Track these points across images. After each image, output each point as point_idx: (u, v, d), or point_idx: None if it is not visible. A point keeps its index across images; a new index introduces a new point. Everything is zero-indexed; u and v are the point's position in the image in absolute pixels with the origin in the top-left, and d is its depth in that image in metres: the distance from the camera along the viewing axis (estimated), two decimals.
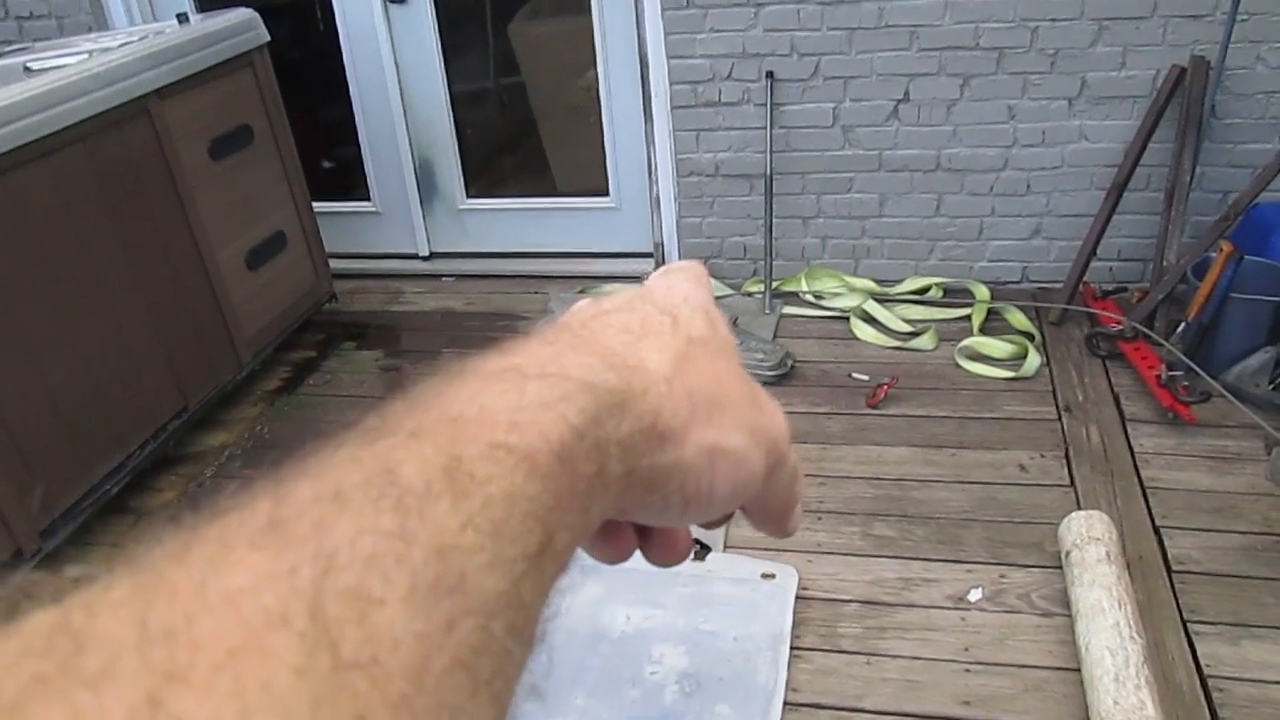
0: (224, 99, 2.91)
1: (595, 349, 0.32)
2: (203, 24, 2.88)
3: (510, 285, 3.64)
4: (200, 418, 2.89)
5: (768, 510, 0.39)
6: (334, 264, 3.54)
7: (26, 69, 2.86)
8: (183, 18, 2.89)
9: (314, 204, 3.37)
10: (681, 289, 0.39)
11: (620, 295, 0.38)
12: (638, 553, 0.39)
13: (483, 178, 3.87)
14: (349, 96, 3.68)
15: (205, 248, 2.81)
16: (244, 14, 2.97)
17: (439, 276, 3.77)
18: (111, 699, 0.18)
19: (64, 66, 2.58)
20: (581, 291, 3.49)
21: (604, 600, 2.16)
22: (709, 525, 0.39)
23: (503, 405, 0.27)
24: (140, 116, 2.58)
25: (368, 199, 3.84)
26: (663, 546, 0.38)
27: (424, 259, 3.84)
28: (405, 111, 3.65)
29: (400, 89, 3.61)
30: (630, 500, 0.31)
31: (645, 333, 0.35)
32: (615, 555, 0.37)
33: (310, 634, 0.20)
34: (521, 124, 3.99)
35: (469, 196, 3.78)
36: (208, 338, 2.86)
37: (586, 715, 1.90)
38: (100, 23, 3.54)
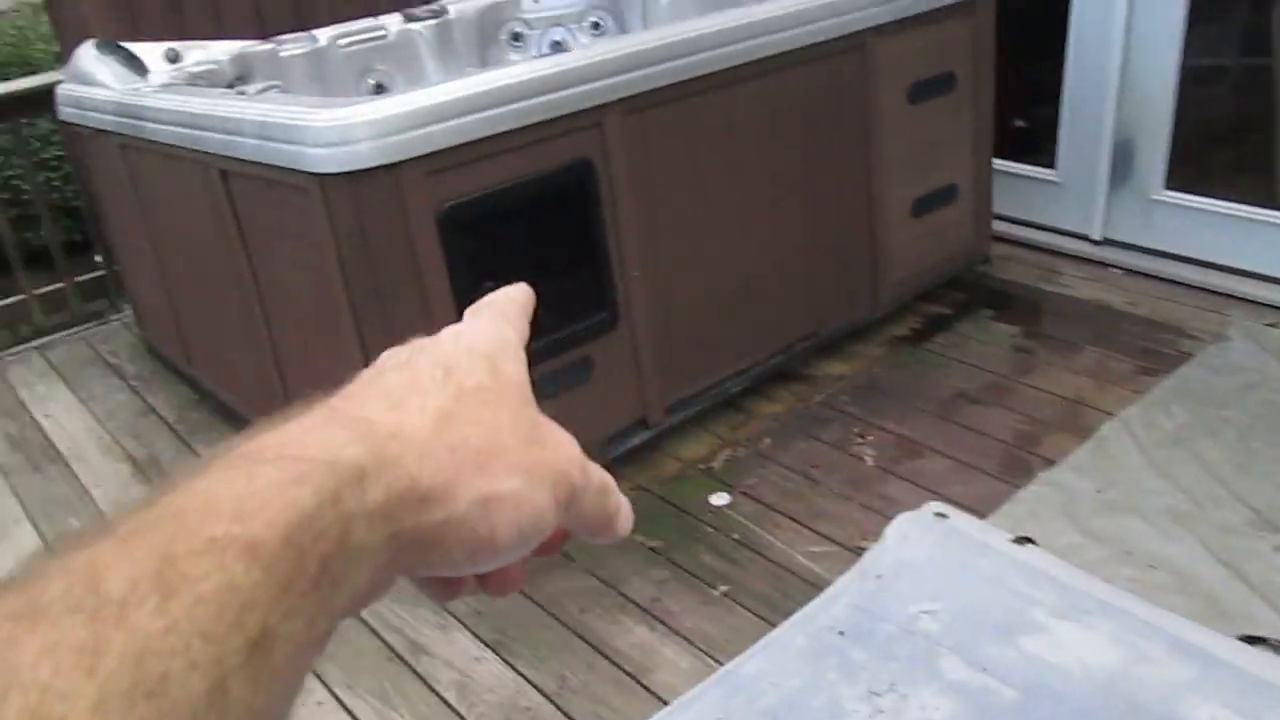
0: (936, 44, 2.88)
1: (347, 421, 0.33)
2: None
3: (1186, 296, 3.20)
4: (825, 345, 2.99)
5: (587, 529, 0.40)
6: (996, 225, 3.41)
7: None
8: None
9: (994, 159, 3.25)
10: (475, 334, 0.39)
11: (405, 349, 0.38)
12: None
13: (1189, 169, 3.41)
14: (1063, 55, 3.44)
15: (877, 187, 2.85)
16: None
17: (1106, 265, 3.44)
18: None
19: None
20: (1272, 325, 2.96)
21: (1186, 689, 1.85)
22: (510, 567, 0.38)
23: (229, 494, 0.27)
24: (854, 51, 2.65)
25: (1051, 166, 3.61)
26: (497, 580, 0.39)
27: (1094, 243, 3.53)
28: (1121, 82, 3.32)
29: (1122, 57, 3.29)
30: (408, 561, 0.32)
31: (412, 391, 0.35)
32: (447, 595, 0.39)
33: None
34: (1255, 116, 3.44)
35: (1167, 187, 3.36)
36: (854, 273, 2.92)
37: None
38: None
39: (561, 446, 0.37)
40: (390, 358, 0.38)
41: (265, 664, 0.25)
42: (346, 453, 0.30)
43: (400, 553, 0.31)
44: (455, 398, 0.35)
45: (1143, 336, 3.01)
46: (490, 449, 0.34)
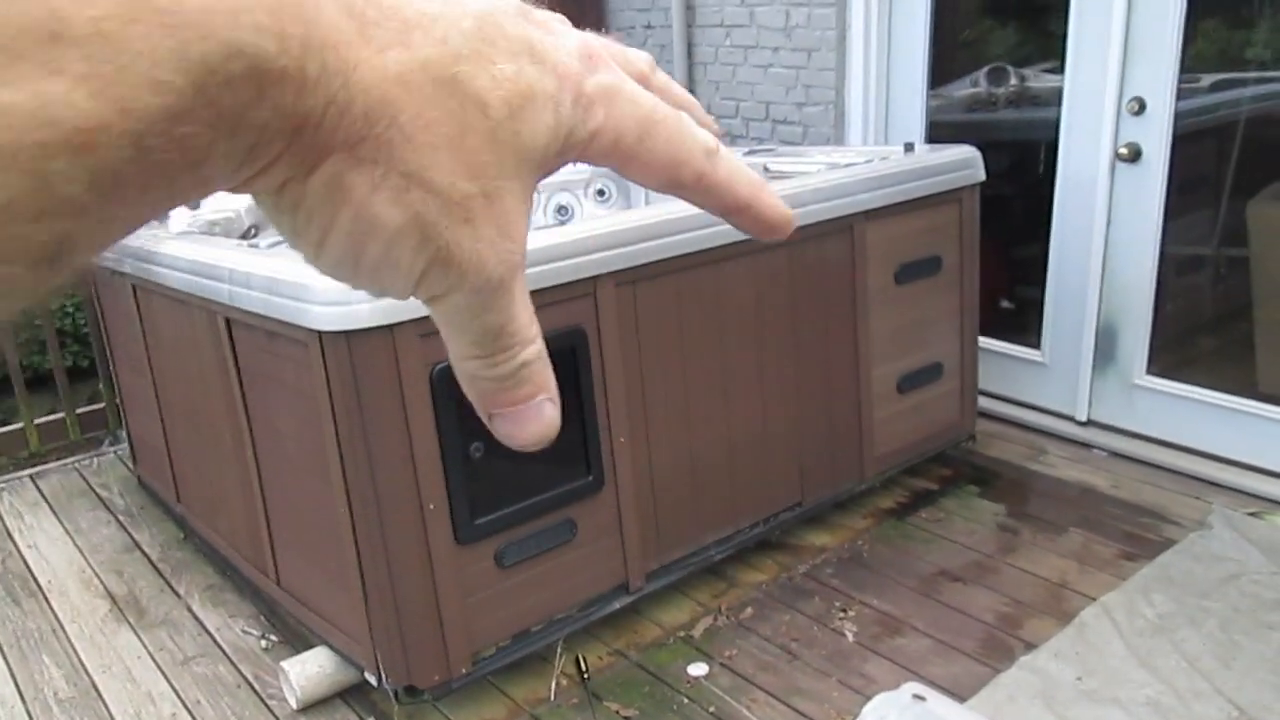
0: (923, 229, 3.00)
1: None
2: (926, 156, 3.00)
3: (1168, 480, 3.24)
4: (810, 515, 3.00)
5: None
6: (982, 402, 3.47)
7: (765, 169, 3.24)
8: (909, 147, 3.04)
9: (980, 339, 3.34)
10: None
11: None
12: None
13: (1171, 355, 3.50)
14: (1047, 241, 3.58)
15: (864, 362, 2.92)
16: (966, 152, 3.04)
17: (1090, 447, 3.49)
18: None
19: (797, 175, 2.87)
20: (1253, 514, 2.99)
21: None
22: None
23: None
24: (843, 233, 2.76)
25: (1036, 347, 3.70)
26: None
27: (1079, 424, 3.58)
28: (1103, 269, 3.45)
29: (1105, 245, 3.42)
30: None
31: None
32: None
33: None
34: (1235, 305, 3.55)
35: (1149, 373, 3.44)
36: (839, 445, 2.97)
37: None
38: (839, 137, 3.88)
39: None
40: None
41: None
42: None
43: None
44: None
45: (1125, 520, 3.03)
46: None
